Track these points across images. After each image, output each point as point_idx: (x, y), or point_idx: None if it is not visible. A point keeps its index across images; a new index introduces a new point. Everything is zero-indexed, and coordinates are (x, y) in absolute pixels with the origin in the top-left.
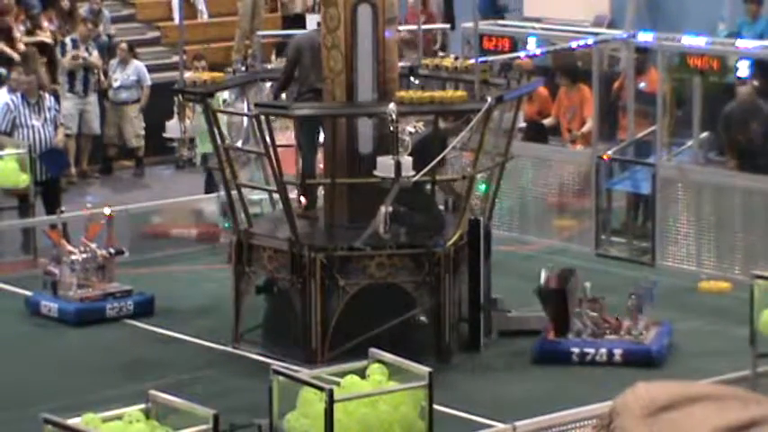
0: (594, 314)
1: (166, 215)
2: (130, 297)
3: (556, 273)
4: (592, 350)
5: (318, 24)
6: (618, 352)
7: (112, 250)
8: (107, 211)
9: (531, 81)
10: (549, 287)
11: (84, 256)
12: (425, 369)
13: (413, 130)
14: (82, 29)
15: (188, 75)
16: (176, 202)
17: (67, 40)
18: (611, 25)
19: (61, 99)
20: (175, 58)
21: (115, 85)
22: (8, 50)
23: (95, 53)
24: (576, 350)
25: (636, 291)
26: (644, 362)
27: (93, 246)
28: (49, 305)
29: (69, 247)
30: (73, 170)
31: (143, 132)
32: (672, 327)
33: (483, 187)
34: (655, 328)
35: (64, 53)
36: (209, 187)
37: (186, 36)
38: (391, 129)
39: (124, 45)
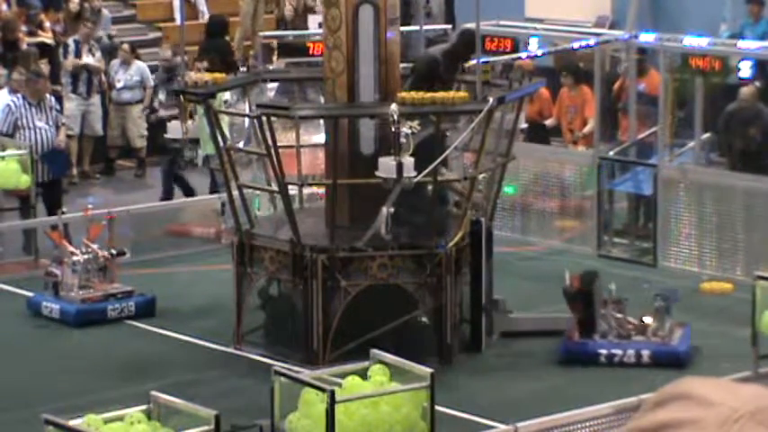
0: (620, 315)
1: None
2: (132, 298)
3: (578, 274)
4: (619, 351)
5: (320, 25)
6: (646, 353)
7: (114, 251)
8: (109, 212)
9: (532, 82)
10: (573, 288)
11: (86, 257)
12: (427, 370)
13: (408, 131)
14: (83, 29)
15: (190, 75)
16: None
17: (70, 41)
18: (612, 26)
19: (64, 100)
20: (176, 59)
21: (118, 85)
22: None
23: (98, 55)
24: (603, 351)
25: (662, 292)
26: (672, 363)
27: (95, 247)
28: (51, 306)
29: (71, 248)
30: (74, 171)
31: (146, 133)
32: (690, 328)
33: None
34: (679, 329)
35: (66, 54)
36: (214, 188)
37: (187, 37)
38: (393, 129)
39: (126, 46)
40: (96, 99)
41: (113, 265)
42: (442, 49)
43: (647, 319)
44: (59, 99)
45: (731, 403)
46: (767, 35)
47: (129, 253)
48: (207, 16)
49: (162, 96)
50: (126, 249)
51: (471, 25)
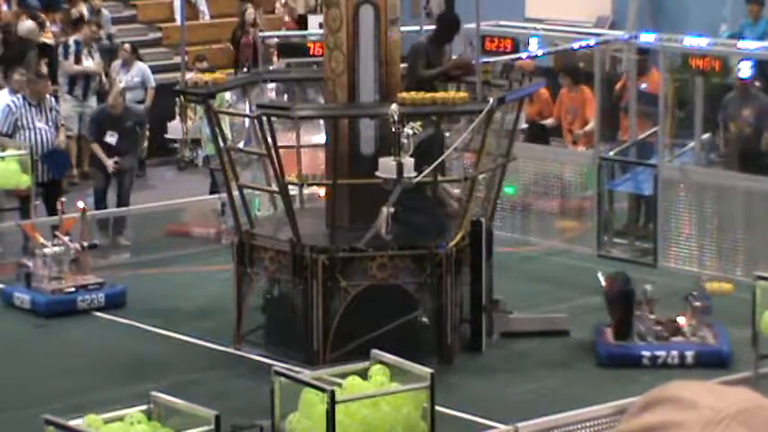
0: (653, 316)
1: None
2: (102, 289)
3: (611, 276)
4: (663, 353)
5: (320, 26)
6: (690, 354)
7: (86, 244)
8: (81, 204)
9: (532, 82)
10: (613, 290)
11: (57, 249)
12: (427, 370)
13: (410, 131)
14: (86, 31)
15: (189, 76)
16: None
17: (71, 41)
18: (612, 26)
19: (60, 101)
20: (177, 59)
21: (120, 86)
22: None
23: (97, 57)
24: (646, 353)
25: (697, 293)
26: (716, 363)
27: (66, 239)
28: (22, 297)
29: (42, 240)
30: (75, 171)
31: (147, 133)
32: (724, 327)
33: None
34: (708, 329)
35: (67, 55)
36: (215, 188)
37: (187, 37)
38: (393, 130)
39: (128, 46)
40: (93, 101)
41: (86, 257)
42: (426, 38)
43: (681, 320)
44: (57, 99)
45: (715, 405)
46: (767, 35)
47: (100, 244)
48: (207, 17)
49: (112, 139)
50: (98, 242)
51: (471, 26)
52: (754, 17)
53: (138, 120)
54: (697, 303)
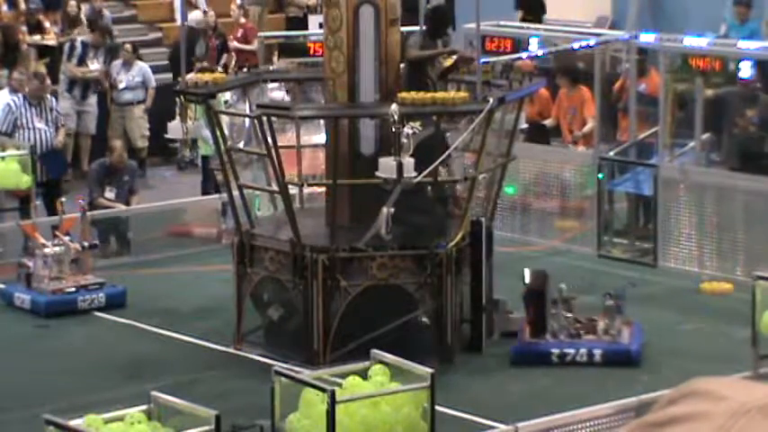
0: (570, 315)
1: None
2: (102, 289)
3: (534, 273)
4: (572, 350)
5: (320, 26)
6: (598, 352)
7: (86, 244)
8: (81, 203)
9: (532, 82)
10: (531, 288)
11: (57, 249)
12: (427, 370)
13: (410, 131)
14: (97, 36)
15: (190, 76)
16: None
17: (77, 43)
18: (612, 26)
19: (59, 98)
20: None
21: (120, 86)
22: None
23: (101, 60)
24: (555, 351)
25: (614, 291)
26: (623, 362)
27: (66, 239)
28: (22, 297)
29: (42, 241)
30: (73, 171)
31: (148, 133)
32: (641, 326)
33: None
34: (627, 327)
35: (71, 56)
36: (206, 188)
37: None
38: (393, 130)
39: (128, 46)
40: (93, 100)
41: (86, 257)
42: (420, 34)
43: (597, 318)
44: (57, 98)
45: (741, 398)
46: (754, 37)
47: (99, 246)
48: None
49: (111, 194)
50: (98, 242)
51: (471, 26)
52: (740, 19)
53: (131, 176)
54: (610, 302)
